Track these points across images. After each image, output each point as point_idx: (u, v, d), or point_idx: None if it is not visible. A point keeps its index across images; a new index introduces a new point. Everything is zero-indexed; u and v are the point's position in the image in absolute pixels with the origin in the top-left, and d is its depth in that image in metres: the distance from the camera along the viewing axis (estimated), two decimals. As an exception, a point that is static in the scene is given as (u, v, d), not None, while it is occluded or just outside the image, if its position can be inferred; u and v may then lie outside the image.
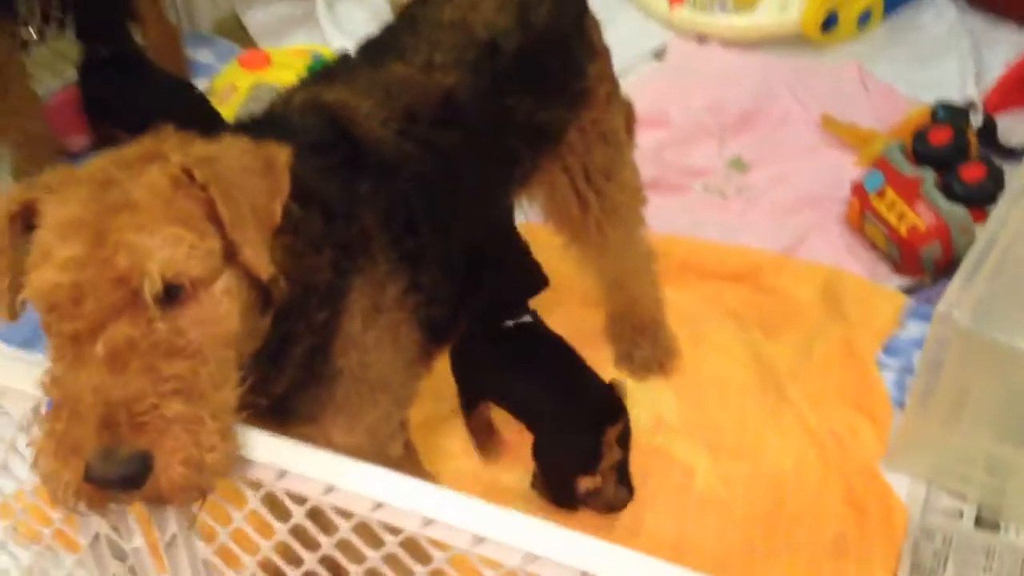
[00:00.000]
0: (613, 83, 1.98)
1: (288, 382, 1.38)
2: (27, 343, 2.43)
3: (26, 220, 1.18)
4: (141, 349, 1.09)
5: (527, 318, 2.01)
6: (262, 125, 1.51)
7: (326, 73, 1.66)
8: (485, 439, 2.12)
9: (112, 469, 1.05)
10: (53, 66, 3.16)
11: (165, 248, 1.12)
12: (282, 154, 1.25)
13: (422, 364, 1.67)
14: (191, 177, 1.18)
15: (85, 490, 1.08)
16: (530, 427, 1.99)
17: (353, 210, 1.44)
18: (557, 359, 2.01)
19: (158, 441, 1.07)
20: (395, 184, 1.52)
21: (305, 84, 1.63)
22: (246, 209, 1.18)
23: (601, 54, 1.93)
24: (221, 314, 1.17)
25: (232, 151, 1.22)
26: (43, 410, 1.17)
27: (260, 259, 1.18)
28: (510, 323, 1.99)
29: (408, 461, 1.68)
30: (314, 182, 1.40)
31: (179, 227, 1.14)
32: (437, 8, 1.74)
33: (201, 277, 1.15)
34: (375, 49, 1.71)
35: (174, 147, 1.21)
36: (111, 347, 1.08)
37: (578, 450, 1.92)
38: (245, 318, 1.21)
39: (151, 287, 1.10)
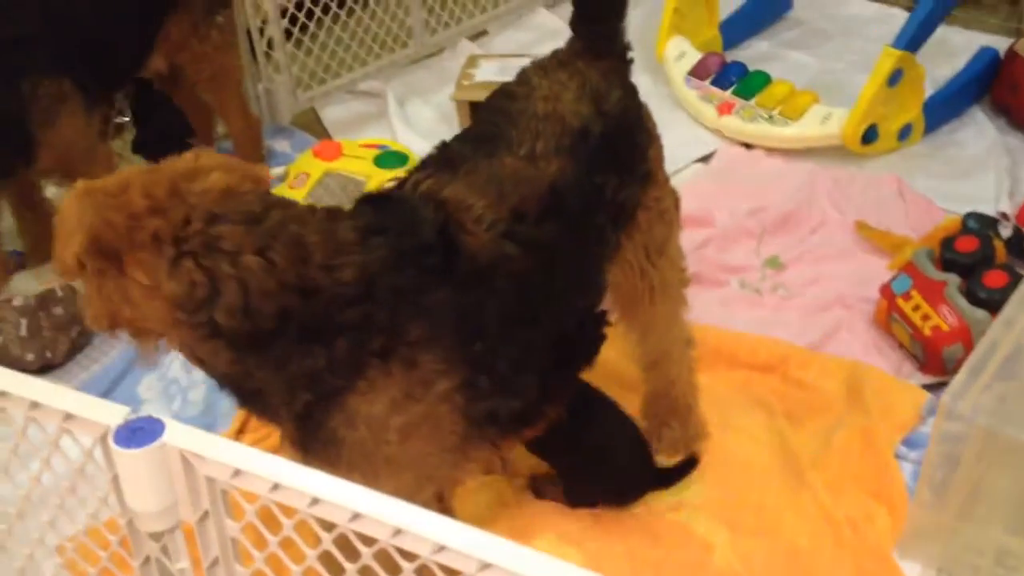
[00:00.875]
0: (664, 168, 2.14)
1: (290, 420, 1.61)
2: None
3: None
4: None
5: None
6: (385, 201, 1.72)
7: (448, 161, 1.81)
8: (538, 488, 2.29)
9: None
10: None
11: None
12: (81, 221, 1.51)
13: (474, 451, 1.80)
14: None
15: None
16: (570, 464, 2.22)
17: (395, 322, 1.60)
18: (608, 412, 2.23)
19: None
20: (477, 293, 1.68)
21: (430, 172, 1.78)
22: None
23: (656, 140, 2.10)
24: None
25: (87, 208, 1.51)
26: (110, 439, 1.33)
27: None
28: None
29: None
30: (367, 289, 1.59)
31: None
32: (528, 102, 1.90)
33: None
34: (482, 140, 1.87)
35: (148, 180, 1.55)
36: None
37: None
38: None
39: None
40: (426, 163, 1.85)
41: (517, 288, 1.72)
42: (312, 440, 1.64)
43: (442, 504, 1.83)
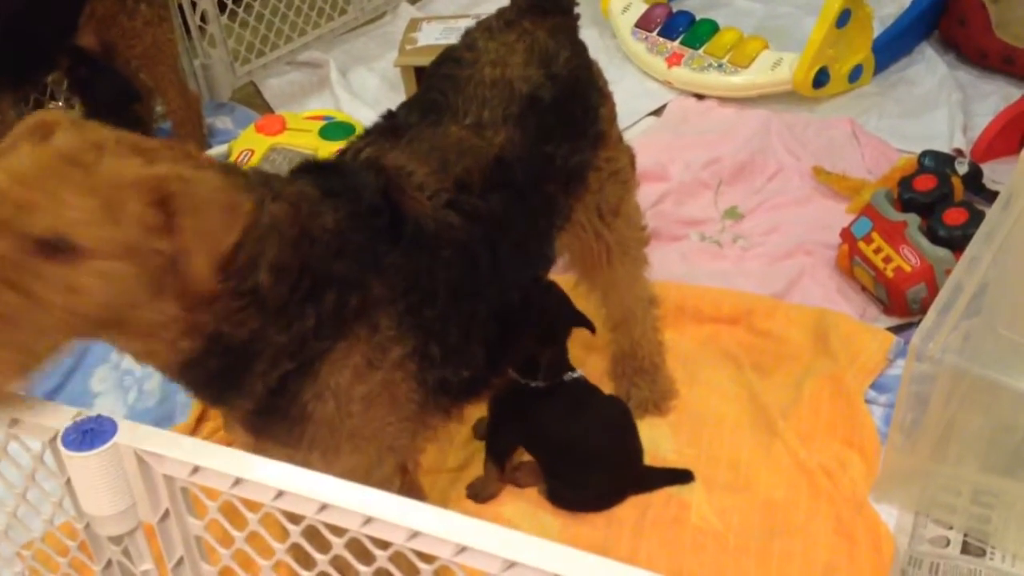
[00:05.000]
0: (618, 126, 2.09)
1: (256, 399, 1.52)
2: (47, 398, 2.54)
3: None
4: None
5: (580, 373, 2.12)
6: (327, 171, 1.64)
7: (392, 130, 1.76)
8: (518, 479, 2.22)
9: None
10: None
11: (72, 209, 1.26)
12: (246, 204, 1.39)
13: (430, 419, 1.76)
14: (163, 187, 1.31)
15: None
16: (556, 466, 2.15)
17: (365, 279, 1.55)
18: (606, 407, 2.18)
19: None
20: (424, 259, 1.63)
21: (372, 139, 1.74)
22: (204, 230, 1.33)
23: (608, 98, 2.05)
24: (85, 288, 1.29)
25: (208, 180, 1.36)
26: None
27: (204, 272, 1.33)
28: (569, 376, 2.11)
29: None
30: (344, 242, 1.53)
31: (98, 202, 1.27)
32: (475, 68, 1.84)
33: (85, 248, 1.27)
34: (429, 108, 1.80)
35: (178, 155, 1.37)
36: None
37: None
38: (124, 314, 1.35)
39: (34, 225, 1.25)
40: (369, 132, 1.79)
41: (461, 259, 1.67)
42: (274, 419, 1.57)
43: (406, 477, 1.79)
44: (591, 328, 2.09)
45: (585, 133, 1.95)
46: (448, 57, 1.91)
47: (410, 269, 1.60)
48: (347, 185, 1.61)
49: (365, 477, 1.63)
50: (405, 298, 1.60)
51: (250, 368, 1.51)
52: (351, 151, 1.73)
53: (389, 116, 1.83)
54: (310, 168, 1.66)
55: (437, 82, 1.87)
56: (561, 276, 2.20)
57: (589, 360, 2.46)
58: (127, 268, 1.31)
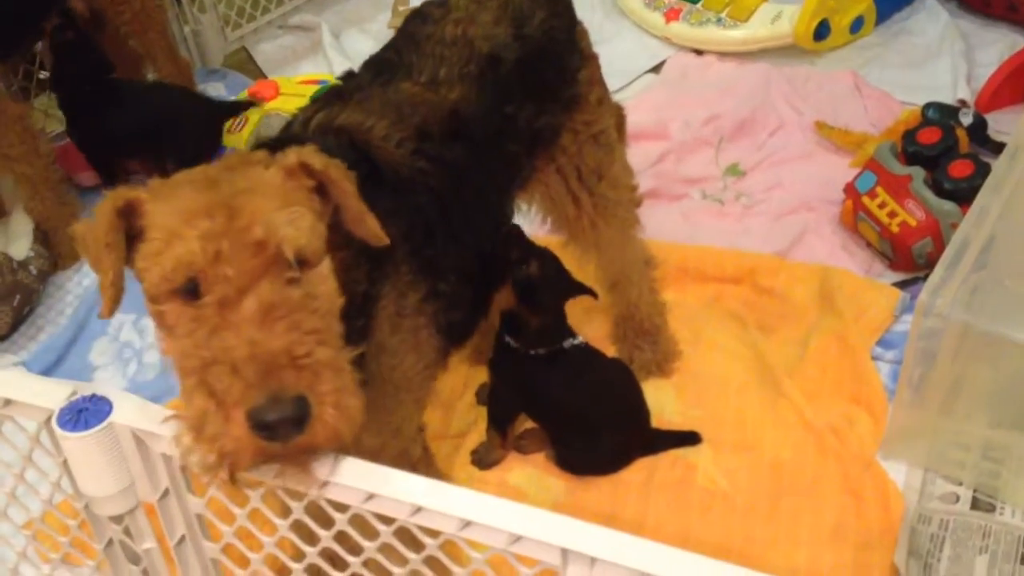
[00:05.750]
0: (603, 87, 2.05)
1: None
2: (47, 372, 2.53)
3: (128, 219, 1.26)
4: (285, 306, 1.17)
5: (580, 340, 2.09)
6: (282, 145, 1.55)
7: (338, 94, 1.72)
8: (523, 446, 2.21)
9: (280, 411, 1.10)
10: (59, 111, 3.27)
11: (294, 222, 1.22)
12: (344, 166, 1.36)
13: (439, 366, 1.74)
14: (307, 169, 1.29)
15: (251, 441, 1.12)
16: (562, 433, 2.14)
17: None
18: (609, 371, 2.16)
19: (314, 384, 1.13)
20: (412, 199, 1.61)
21: (319, 106, 1.69)
22: (353, 193, 1.32)
23: (590, 60, 2.01)
24: (332, 288, 1.27)
25: (322, 154, 1.34)
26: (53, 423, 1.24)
27: (378, 229, 1.34)
28: (569, 343, 2.08)
29: (425, 463, 1.75)
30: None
31: (300, 207, 1.25)
32: (437, 25, 1.81)
33: (319, 252, 1.26)
34: (382, 68, 1.77)
35: (264, 156, 1.33)
36: (260, 306, 1.16)
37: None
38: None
39: (290, 251, 1.20)
40: (315, 100, 1.75)
41: (438, 203, 1.65)
42: None
43: (423, 435, 1.77)
44: (593, 294, 2.06)
45: (557, 96, 1.92)
46: (417, 14, 1.87)
47: (401, 213, 1.58)
48: None
49: (405, 432, 1.64)
50: (407, 241, 1.57)
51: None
52: (298, 122, 1.67)
53: (347, 76, 1.80)
54: (265, 147, 1.59)
55: (397, 40, 1.84)
56: (550, 238, 2.17)
57: (592, 323, 2.43)
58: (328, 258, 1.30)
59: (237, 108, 3.03)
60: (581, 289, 2.04)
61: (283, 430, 1.11)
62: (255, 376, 1.11)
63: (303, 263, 1.23)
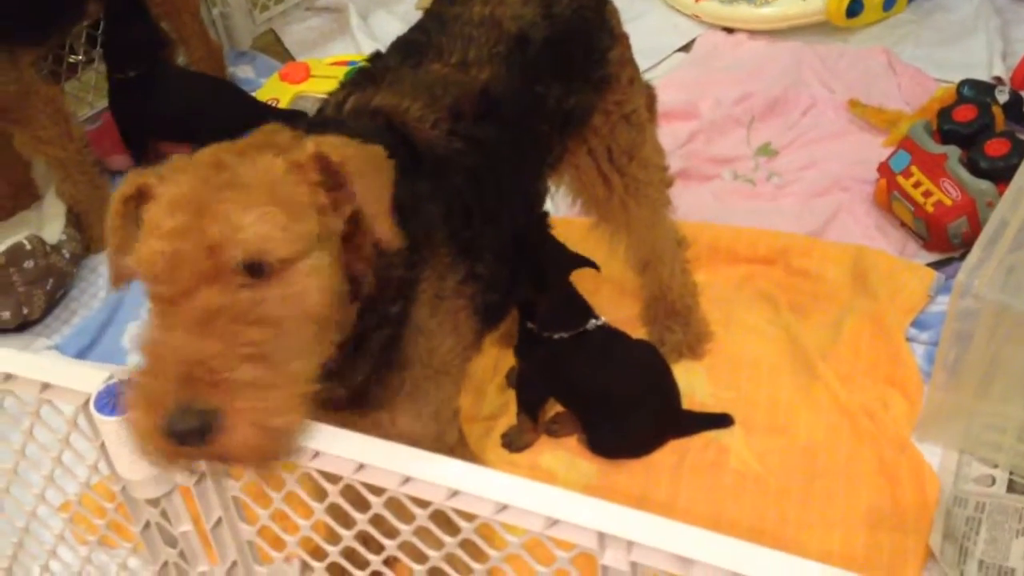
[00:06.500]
0: (634, 67, 2.04)
1: (367, 372, 1.46)
2: (80, 355, 2.55)
3: (140, 203, 1.27)
4: (224, 315, 1.15)
5: (603, 320, 2.09)
6: (317, 129, 1.53)
7: (369, 76, 1.71)
8: (555, 430, 2.20)
9: (185, 423, 1.10)
10: (89, 95, 3.29)
11: (256, 224, 1.19)
12: (384, 152, 1.34)
13: (475, 348, 1.74)
14: (322, 161, 1.27)
15: (161, 441, 1.12)
16: (591, 416, 2.13)
17: (418, 207, 1.51)
18: (635, 351, 2.14)
19: (228, 401, 1.12)
20: (450, 180, 1.60)
21: (351, 88, 1.68)
22: (375, 189, 1.28)
23: (621, 39, 2.00)
24: (303, 291, 1.23)
25: (351, 144, 1.31)
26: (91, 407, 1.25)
27: (391, 232, 1.29)
28: (592, 324, 2.07)
29: (461, 446, 1.76)
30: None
31: (276, 207, 1.22)
32: (465, 6, 1.80)
33: (287, 256, 1.22)
34: (410, 50, 1.77)
35: (288, 139, 1.31)
36: (197, 311, 1.15)
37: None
38: (334, 302, 1.29)
39: (235, 257, 1.18)
40: (344, 84, 1.73)
41: (474, 184, 1.64)
42: (384, 376, 1.52)
43: (458, 419, 1.77)
44: (594, 266, 2.05)
45: (587, 76, 1.90)
46: None
47: (440, 195, 1.57)
48: (350, 134, 1.52)
49: (443, 415, 1.64)
50: (446, 224, 1.57)
51: (369, 336, 1.47)
52: (331, 105, 1.66)
53: (375, 58, 1.79)
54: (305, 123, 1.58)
55: (425, 21, 1.83)
56: (579, 219, 2.16)
57: (623, 305, 2.42)
58: (321, 256, 1.27)
59: (281, 116, 3.00)
60: (582, 261, 2.03)
61: (190, 439, 1.11)
62: (174, 383, 1.12)
63: (263, 267, 1.20)
